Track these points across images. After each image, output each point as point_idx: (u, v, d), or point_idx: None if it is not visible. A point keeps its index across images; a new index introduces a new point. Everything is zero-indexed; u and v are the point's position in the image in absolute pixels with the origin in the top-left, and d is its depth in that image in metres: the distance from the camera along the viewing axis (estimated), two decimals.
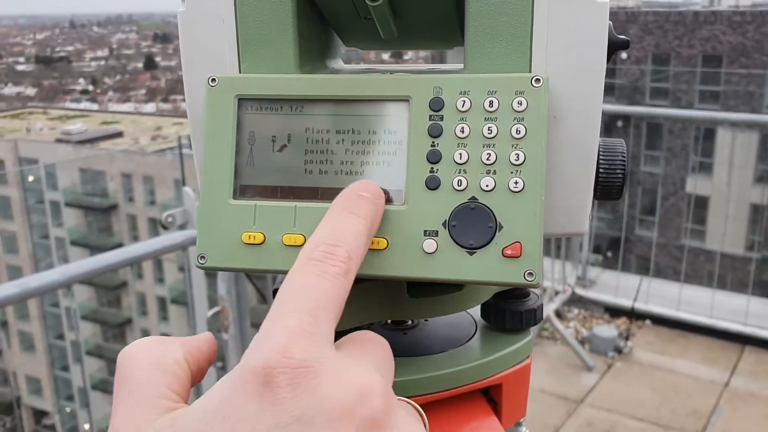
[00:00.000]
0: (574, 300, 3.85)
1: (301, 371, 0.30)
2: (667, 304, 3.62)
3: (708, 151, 11.75)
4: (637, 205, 12.08)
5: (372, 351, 0.35)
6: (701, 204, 11.75)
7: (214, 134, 0.44)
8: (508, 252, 0.40)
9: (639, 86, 14.87)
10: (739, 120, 4.72)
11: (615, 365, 3.32)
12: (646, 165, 12.62)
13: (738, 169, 9.70)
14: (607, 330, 3.50)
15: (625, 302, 3.69)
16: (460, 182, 0.41)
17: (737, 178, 9.30)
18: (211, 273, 2.50)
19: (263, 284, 2.47)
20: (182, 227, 2.14)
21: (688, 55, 14.49)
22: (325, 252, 0.34)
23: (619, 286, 3.79)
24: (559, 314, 3.69)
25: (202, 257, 0.43)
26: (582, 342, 3.49)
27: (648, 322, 3.65)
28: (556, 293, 3.72)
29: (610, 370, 3.29)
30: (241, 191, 0.43)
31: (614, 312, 3.75)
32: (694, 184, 11.41)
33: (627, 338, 3.48)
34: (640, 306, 3.65)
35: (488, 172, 0.40)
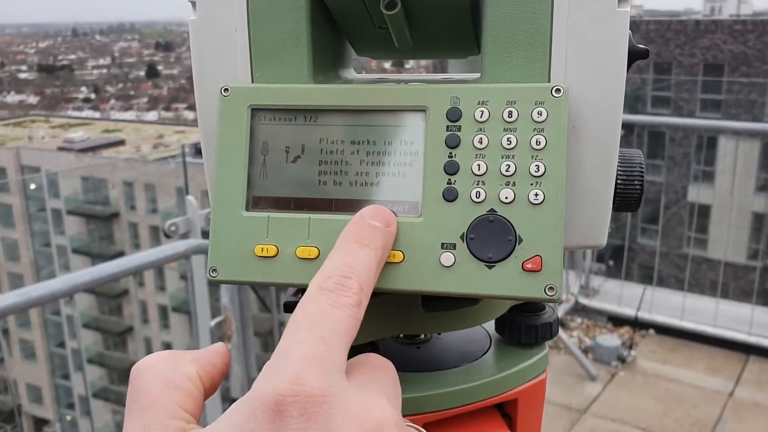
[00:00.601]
0: (578, 309, 3.83)
1: (313, 400, 0.29)
2: (671, 313, 3.60)
3: (710, 159, 11.73)
4: (639, 213, 12.05)
5: (381, 378, 0.35)
6: (703, 213, 11.74)
7: (227, 145, 0.43)
8: (528, 266, 0.39)
9: (640, 95, 14.88)
10: (741, 128, 4.72)
11: (618, 375, 3.31)
12: (648, 174, 12.57)
13: (740, 177, 9.69)
14: (611, 339, 3.48)
15: (629, 311, 3.68)
16: (478, 194, 0.40)
17: (739, 186, 9.29)
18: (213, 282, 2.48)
19: (266, 293, 2.46)
20: (185, 236, 2.13)
21: (689, 63, 14.51)
22: (337, 283, 0.34)
23: (622, 295, 3.77)
24: (562, 323, 3.68)
25: (214, 270, 0.42)
26: (585, 351, 3.47)
27: (651, 331, 3.63)
28: (560, 302, 3.70)
29: (614, 380, 3.27)
30: (254, 203, 0.43)
31: (617, 321, 3.73)
32: (696, 193, 11.40)
33: (630, 347, 3.46)
34: (644, 315, 3.63)
35: (507, 184, 0.39)
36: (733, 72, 14.10)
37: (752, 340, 3.35)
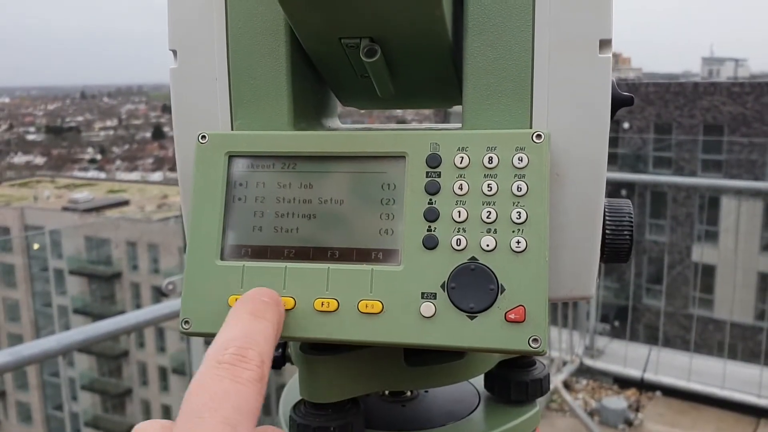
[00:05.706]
0: (583, 370, 3.76)
1: None
2: (678, 374, 3.53)
3: (713, 219, 11.74)
4: (643, 273, 11.99)
5: None
6: (708, 273, 11.67)
7: (203, 192, 0.42)
8: (511, 316, 0.37)
9: (641, 155, 15.00)
10: (743, 188, 4.70)
11: None
12: (651, 233, 12.61)
13: (744, 237, 9.66)
14: (617, 401, 3.40)
15: (635, 372, 3.61)
16: (459, 241, 0.38)
17: (743, 246, 9.24)
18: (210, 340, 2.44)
19: None
20: None
21: (689, 124, 14.66)
22: (236, 355, 0.32)
23: (627, 356, 3.71)
24: (567, 385, 3.60)
25: (186, 322, 0.41)
26: (591, 414, 3.39)
27: (658, 393, 3.55)
28: (564, 363, 3.64)
29: None
30: (229, 252, 0.41)
31: (623, 382, 3.66)
32: (701, 253, 11.35)
33: (637, 410, 3.38)
34: (650, 376, 3.56)
35: (489, 231, 0.38)
36: (733, 133, 14.24)
37: (762, 402, 3.27)
